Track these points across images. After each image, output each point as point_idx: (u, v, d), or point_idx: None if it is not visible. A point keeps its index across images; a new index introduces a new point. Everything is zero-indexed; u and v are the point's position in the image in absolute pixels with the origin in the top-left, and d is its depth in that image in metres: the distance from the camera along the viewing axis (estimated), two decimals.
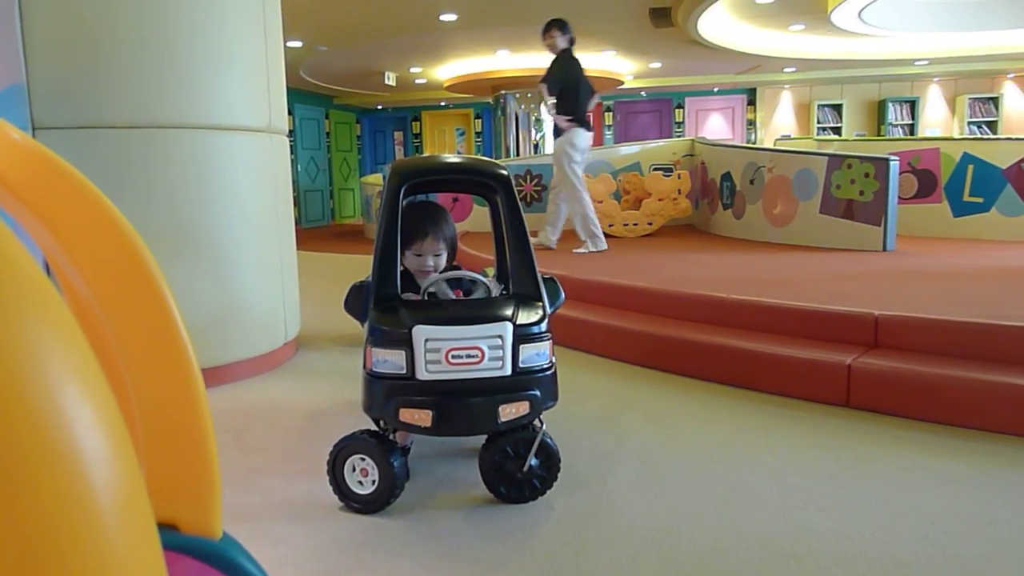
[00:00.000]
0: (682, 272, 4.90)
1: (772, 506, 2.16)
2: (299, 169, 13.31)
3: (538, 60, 11.29)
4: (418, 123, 16.03)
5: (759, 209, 6.84)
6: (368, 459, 2.11)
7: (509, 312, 2.08)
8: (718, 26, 8.89)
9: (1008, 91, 13.73)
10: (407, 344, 2.00)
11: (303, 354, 4.14)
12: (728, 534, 1.99)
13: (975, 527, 2.01)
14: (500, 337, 2.03)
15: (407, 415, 2.02)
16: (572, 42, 5.95)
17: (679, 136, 13.86)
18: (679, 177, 7.61)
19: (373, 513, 2.13)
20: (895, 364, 2.98)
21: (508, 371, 2.04)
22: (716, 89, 14.54)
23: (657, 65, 11.97)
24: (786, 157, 6.74)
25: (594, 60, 11.36)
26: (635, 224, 7.55)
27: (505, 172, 2.33)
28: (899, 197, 5.96)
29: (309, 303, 5.53)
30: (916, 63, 12.07)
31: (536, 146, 12.63)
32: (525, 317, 2.09)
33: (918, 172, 6.98)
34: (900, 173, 6.11)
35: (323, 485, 2.31)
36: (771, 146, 10.44)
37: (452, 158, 2.59)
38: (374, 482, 2.12)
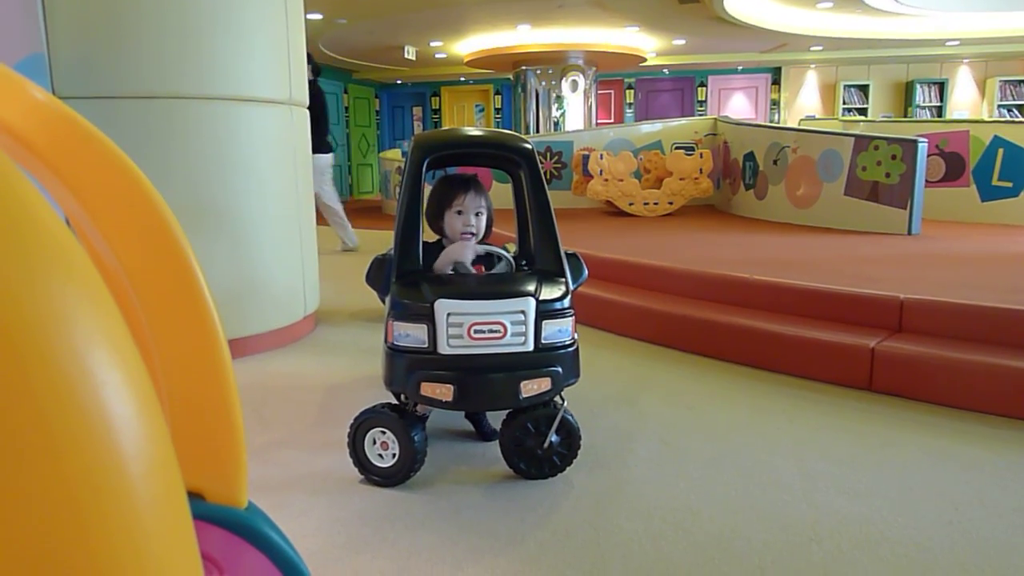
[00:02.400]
0: (703, 252, 4.85)
1: (793, 489, 2.14)
2: None
3: (560, 35, 11.18)
4: (437, 99, 15.95)
5: (782, 190, 6.75)
6: (388, 432, 2.12)
7: (532, 288, 2.06)
8: (745, 2, 8.73)
9: None
10: (429, 318, 1.99)
11: (322, 328, 4.15)
12: (748, 516, 1.98)
13: (1000, 513, 1.98)
14: (523, 312, 2.01)
15: (429, 389, 2.01)
16: (316, 72, 6.55)
17: (701, 115, 13.69)
18: (701, 156, 7.52)
19: (393, 486, 2.13)
20: (919, 348, 2.93)
21: (530, 347, 2.03)
22: (740, 68, 14.32)
23: (681, 42, 11.79)
24: (811, 137, 6.62)
25: (616, 36, 11.22)
26: (655, 203, 7.48)
27: (530, 146, 2.30)
28: (926, 180, 5.85)
29: (328, 278, 5.54)
30: (947, 44, 11.81)
31: (556, 123, 12.53)
32: (548, 293, 2.07)
33: (946, 155, 6.85)
34: (928, 156, 5.99)
35: (343, 458, 2.32)
36: (797, 126, 10.28)
37: (476, 131, 2.54)
38: (394, 455, 2.12)
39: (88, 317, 0.45)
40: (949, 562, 1.75)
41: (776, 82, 14.54)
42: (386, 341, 2.09)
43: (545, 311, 2.04)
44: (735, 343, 3.41)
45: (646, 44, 11.93)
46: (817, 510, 2.01)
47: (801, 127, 8.71)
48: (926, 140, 5.68)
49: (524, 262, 2.43)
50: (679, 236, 5.84)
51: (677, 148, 8.19)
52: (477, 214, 2.36)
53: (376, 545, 1.84)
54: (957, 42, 11.62)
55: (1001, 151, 6.55)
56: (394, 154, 12.25)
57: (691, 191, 7.51)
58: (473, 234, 2.36)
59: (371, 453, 2.15)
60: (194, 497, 0.81)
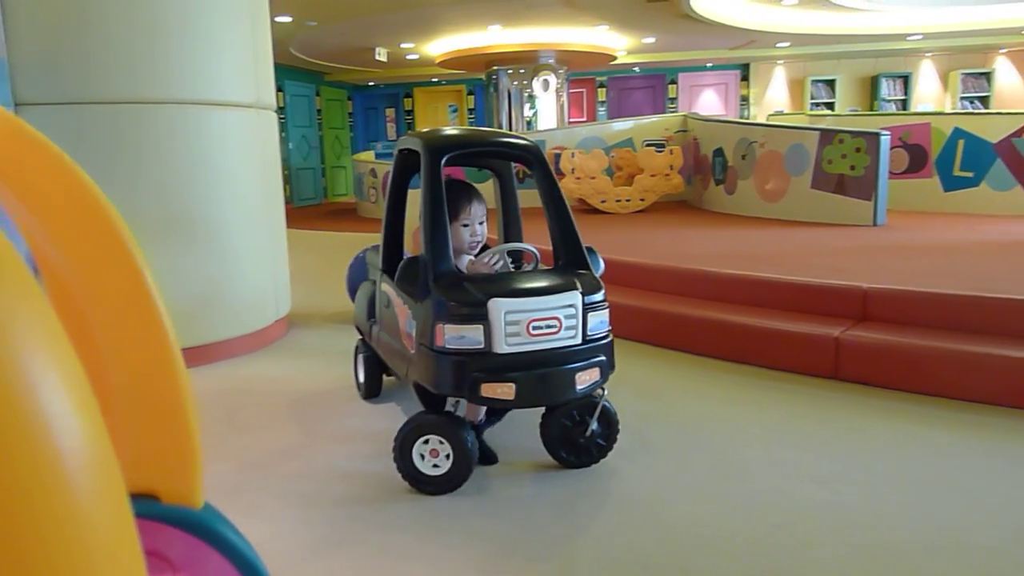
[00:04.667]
0: (674, 247, 4.90)
1: (762, 477, 2.18)
2: (290, 147, 13.21)
3: (531, 35, 11.21)
4: (410, 100, 15.90)
5: (751, 184, 6.83)
6: (437, 439, 2.07)
7: (575, 282, 2.09)
8: (712, 1, 8.81)
9: (1000, 66, 13.67)
10: (484, 318, 1.97)
11: (295, 332, 4.14)
12: (718, 504, 2.01)
13: (962, 495, 2.03)
14: (573, 306, 2.04)
15: (489, 390, 1.98)
16: None
17: (672, 112, 13.79)
18: (671, 153, 7.59)
19: (449, 492, 2.09)
20: (883, 336, 2.99)
21: (579, 339, 2.05)
22: (710, 65, 14.45)
23: (650, 40, 11.87)
24: (778, 132, 6.71)
25: (587, 35, 11.27)
26: (628, 200, 7.53)
27: (537, 145, 2.35)
28: (890, 172, 5.95)
29: (302, 282, 5.52)
30: (909, 38, 12.00)
31: (529, 123, 12.56)
32: (587, 286, 2.10)
33: (909, 147, 6.97)
34: (891, 148, 6.09)
35: (314, 461, 2.33)
36: (764, 121, 10.40)
37: (485, 132, 2.56)
38: (448, 457, 2.07)
39: (23, 320, 0.46)
40: (913, 544, 1.79)
41: (745, 78, 14.68)
42: (432, 345, 2.03)
43: (589, 304, 2.08)
44: (706, 336, 3.45)
45: (616, 43, 11.99)
46: (785, 497, 2.05)
47: (768, 123, 8.82)
48: (889, 133, 5.78)
49: (512, 260, 2.48)
50: (651, 232, 5.89)
51: (648, 145, 8.25)
52: (480, 223, 2.40)
53: (347, 545, 1.85)
54: (920, 36, 11.81)
55: (961, 142, 6.68)
56: (368, 156, 12.20)
57: (662, 187, 7.57)
58: (478, 243, 2.40)
59: (421, 464, 2.10)
60: (149, 498, 0.82)
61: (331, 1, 8.49)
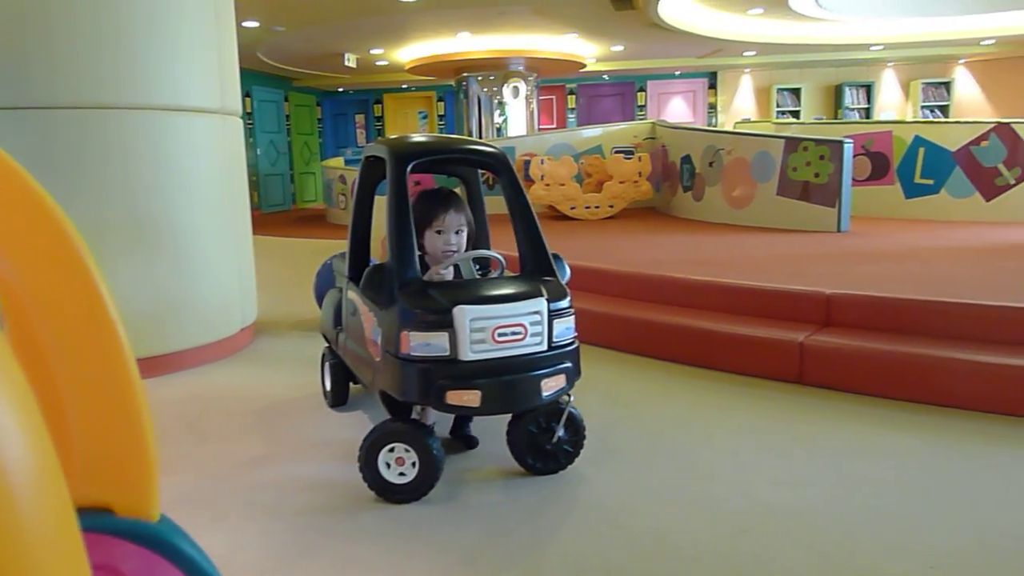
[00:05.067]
0: (642, 254, 4.94)
1: (726, 481, 2.20)
2: (258, 153, 13.07)
3: (501, 42, 11.24)
4: (380, 106, 15.84)
5: (718, 191, 6.91)
6: (402, 447, 2.06)
7: (541, 288, 2.09)
8: (679, 9, 8.91)
9: (959, 76, 14.01)
10: (450, 325, 1.96)
11: (262, 340, 4.09)
12: (683, 509, 2.03)
13: (920, 496, 2.07)
14: (539, 313, 2.04)
15: (454, 397, 1.97)
16: None
17: (641, 119, 13.91)
18: (640, 160, 7.65)
19: (415, 501, 2.08)
20: (846, 341, 3.04)
21: (545, 346, 2.06)
22: (678, 73, 14.60)
23: (619, 48, 11.97)
24: (744, 140, 6.81)
25: (556, 43, 11.33)
26: (597, 207, 7.57)
27: (503, 152, 2.35)
28: (853, 179, 6.06)
29: (269, 289, 5.46)
30: (872, 48, 12.25)
31: (499, 129, 12.58)
32: (553, 293, 2.11)
33: (872, 155, 7.10)
34: (854, 156, 6.21)
35: (280, 470, 2.31)
36: (732, 129, 10.53)
37: (451, 139, 2.56)
38: (415, 465, 2.06)
39: None
40: (872, 545, 1.82)
41: (713, 86, 14.85)
42: (397, 352, 2.02)
43: (554, 310, 2.08)
44: (672, 342, 3.48)
45: (585, 50, 12.07)
46: (749, 501, 2.07)
47: (735, 130, 8.93)
48: (851, 141, 5.89)
49: (479, 267, 2.48)
50: (619, 238, 5.93)
51: (617, 152, 8.31)
52: (457, 232, 2.36)
53: (311, 556, 1.83)
54: (881, 46, 12.06)
55: (922, 150, 6.83)
56: (337, 162, 12.12)
57: (631, 194, 7.62)
58: (453, 251, 2.36)
59: (387, 472, 2.08)
60: (102, 512, 0.80)
61: (299, 6, 8.44)
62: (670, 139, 7.98)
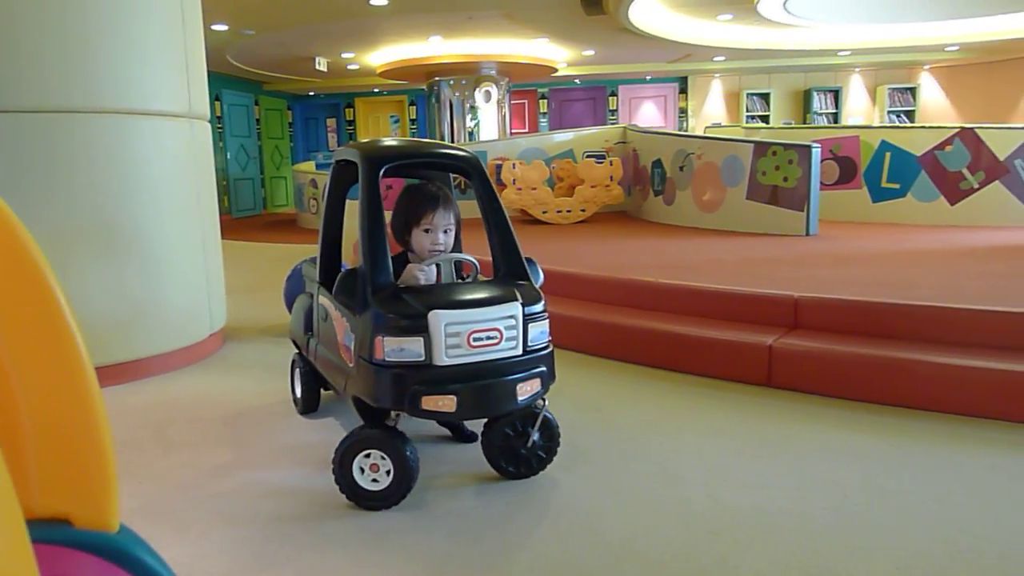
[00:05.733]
0: (613, 258, 4.96)
1: (695, 484, 2.22)
2: (228, 157, 12.94)
3: (472, 47, 11.25)
4: (351, 110, 15.77)
5: (689, 195, 6.97)
6: (377, 453, 2.04)
7: (515, 292, 2.09)
8: (649, 14, 8.98)
9: (924, 82, 14.28)
10: (424, 330, 1.95)
11: (231, 345, 4.04)
12: (651, 512, 2.04)
13: (885, 497, 2.10)
14: (513, 317, 2.04)
15: (430, 402, 1.96)
16: None
17: (613, 124, 14.00)
18: (611, 164, 7.69)
19: (389, 508, 2.06)
20: (813, 344, 3.08)
21: (520, 351, 2.06)
22: (649, 77, 14.72)
23: (590, 53, 12.03)
24: (714, 144, 6.87)
25: (527, 47, 11.37)
26: (568, 211, 7.60)
27: (475, 157, 2.35)
28: (821, 183, 6.15)
29: (239, 294, 5.40)
30: (839, 54, 12.45)
31: (471, 133, 12.58)
32: (527, 297, 2.10)
33: (839, 159, 7.21)
34: (822, 160, 6.30)
35: (248, 477, 2.28)
36: (702, 134, 10.63)
37: (423, 143, 2.54)
38: (389, 472, 2.05)
39: None
40: (838, 546, 1.84)
41: (683, 91, 15.00)
42: (372, 358, 2.00)
43: (529, 314, 2.08)
44: (642, 346, 3.50)
45: (557, 55, 12.12)
46: (716, 503, 2.09)
47: (705, 135, 9.02)
48: (819, 145, 5.98)
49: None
50: (591, 243, 5.95)
51: (588, 156, 8.34)
52: (445, 231, 2.33)
53: (278, 566, 1.81)
54: (848, 52, 12.26)
55: (888, 155, 6.95)
56: (308, 166, 12.03)
57: (603, 198, 7.66)
58: (440, 250, 2.33)
59: (361, 479, 2.06)
60: (60, 523, 0.79)
61: (268, 10, 8.38)
62: (641, 143, 8.04)
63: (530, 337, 2.08)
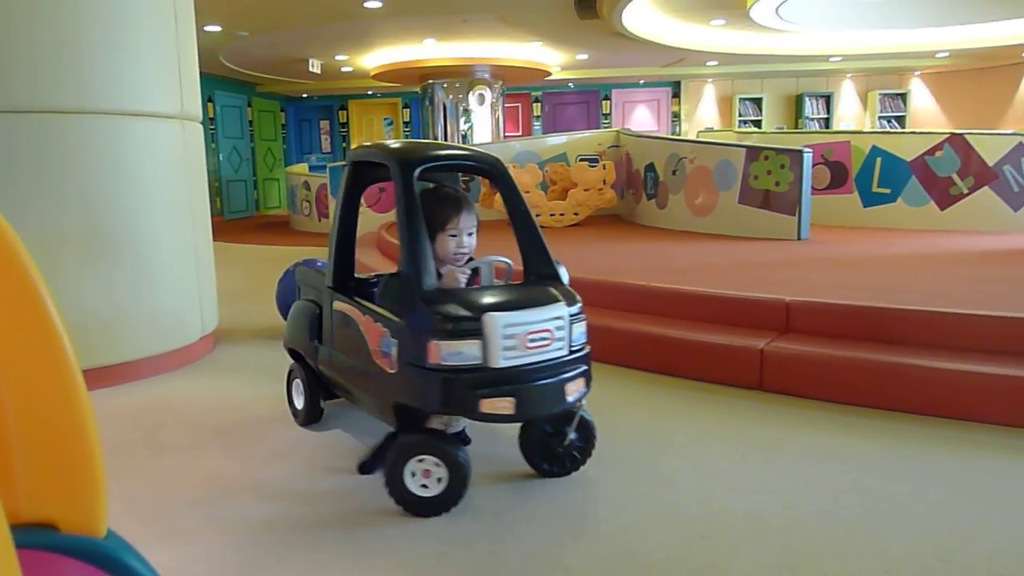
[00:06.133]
0: (605, 261, 4.97)
1: (686, 488, 2.22)
2: (220, 158, 12.91)
3: (466, 50, 11.26)
4: (345, 112, 15.77)
5: (681, 199, 6.99)
6: (431, 459, 2.01)
7: (559, 294, 2.10)
8: (642, 19, 9.01)
9: (915, 88, 14.39)
10: (481, 333, 1.94)
11: (223, 348, 4.03)
12: (643, 516, 2.04)
13: (875, 501, 2.11)
14: (561, 318, 2.05)
15: (488, 405, 1.94)
16: None
17: (606, 127, 14.03)
18: (604, 168, 7.71)
19: (441, 514, 2.03)
20: (805, 348, 3.09)
21: (566, 351, 2.07)
22: (642, 81, 14.77)
23: (584, 56, 12.06)
24: (706, 148, 6.90)
25: (521, 51, 11.39)
26: (561, 214, 7.61)
27: (499, 159, 2.36)
28: (813, 188, 6.18)
29: (231, 296, 5.39)
30: (831, 59, 12.52)
31: (464, 136, 12.59)
32: (570, 298, 2.12)
33: (831, 164, 7.25)
34: (813, 165, 6.33)
35: (238, 481, 2.27)
36: (695, 138, 10.67)
37: (452, 147, 2.48)
38: (440, 480, 2.01)
39: None
40: (828, 550, 1.85)
41: (676, 95, 15.05)
42: (423, 364, 1.97)
43: (572, 315, 2.09)
44: (634, 349, 3.50)
45: (550, 58, 12.14)
46: (708, 507, 2.09)
47: (697, 139, 9.05)
48: (811, 150, 6.00)
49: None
50: (584, 246, 5.96)
51: (581, 160, 8.36)
52: (469, 233, 2.32)
53: (270, 569, 1.80)
54: (840, 58, 12.32)
55: (879, 160, 6.99)
56: (301, 168, 12.02)
57: (596, 202, 7.67)
58: (465, 254, 2.32)
59: (413, 485, 2.03)
60: (46, 528, 0.78)
61: (262, 11, 8.37)
62: (634, 147, 8.06)
63: (574, 337, 2.10)
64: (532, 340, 1.98)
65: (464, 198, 2.34)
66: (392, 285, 2.08)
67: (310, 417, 2.74)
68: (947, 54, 12.13)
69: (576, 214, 7.64)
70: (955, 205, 6.68)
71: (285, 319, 4.17)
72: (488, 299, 2.02)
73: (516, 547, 1.88)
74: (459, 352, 1.94)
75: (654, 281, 3.90)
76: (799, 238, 5.90)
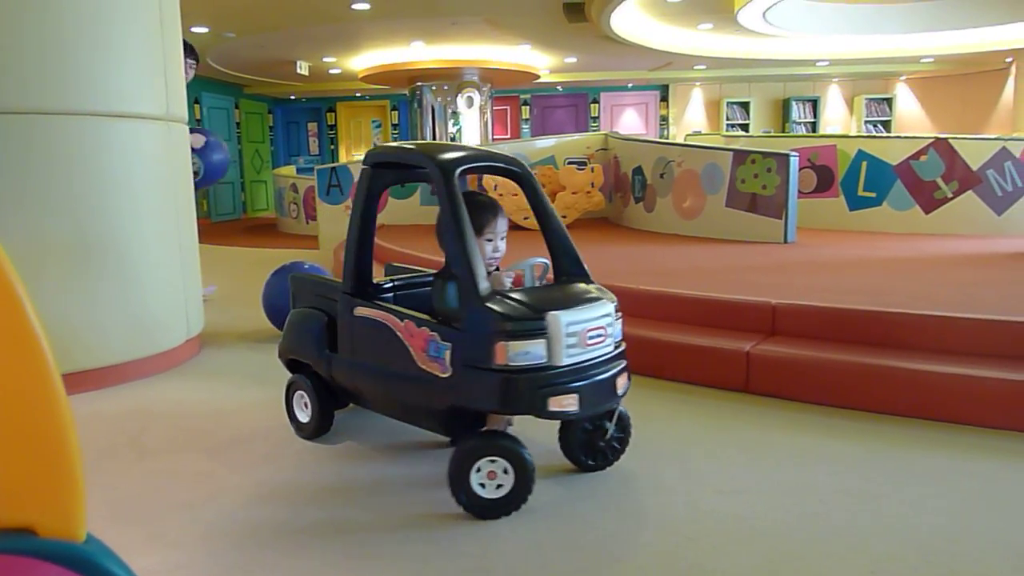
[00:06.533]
0: (594, 264, 4.92)
1: (672, 490, 2.22)
2: None
3: (455, 52, 11.26)
4: (333, 114, 15.73)
5: (669, 203, 7.01)
6: (500, 460, 2.01)
7: (604, 291, 2.20)
8: (630, 22, 9.04)
9: (900, 92, 14.50)
10: (545, 332, 1.97)
11: (208, 352, 4.00)
12: (630, 518, 2.04)
13: (860, 502, 2.12)
14: (610, 315, 2.12)
15: (556, 403, 1.98)
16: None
17: (594, 130, 14.07)
18: (593, 171, 7.72)
19: (506, 515, 2.04)
20: (790, 350, 3.11)
21: (612, 346, 2.14)
22: (630, 85, 14.81)
23: (572, 60, 12.09)
24: (694, 152, 6.92)
25: (510, 54, 11.40)
26: None
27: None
28: (799, 191, 6.21)
29: (218, 299, 5.37)
30: (817, 64, 12.61)
31: (453, 139, 12.58)
32: (608, 295, 2.18)
33: (817, 168, 7.29)
34: (800, 168, 6.36)
35: (223, 485, 2.26)
36: (683, 141, 10.72)
37: (485, 150, 2.48)
38: (505, 482, 2.02)
39: None
40: (813, 551, 1.86)
41: (664, 99, 15.11)
42: (488, 366, 1.98)
43: (616, 311, 2.17)
44: None
45: (539, 61, 12.16)
46: (695, 510, 2.09)
47: (686, 142, 9.08)
48: (797, 154, 6.04)
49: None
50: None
51: (570, 163, 8.37)
52: (502, 239, 2.37)
53: (256, 572, 1.79)
54: (827, 62, 12.42)
55: (864, 164, 7.03)
56: (289, 171, 11.98)
57: (584, 204, 7.68)
58: (497, 259, 2.35)
59: (478, 486, 2.02)
60: (24, 533, 0.77)
61: (250, 12, 8.34)
62: (622, 150, 8.08)
63: (616, 333, 2.16)
64: (591, 337, 2.05)
65: (497, 204, 2.38)
66: (448, 289, 2.09)
67: (319, 430, 2.63)
68: (932, 59, 12.24)
69: (564, 217, 7.64)
70: (940, 209, 6.74)
71: (273, 322, 4.17)
72: (547, 299, 2.08)
73: (502, 550, 1.88)
74: (526, 352, 1.96)
75: (641, 284, 3.90)
76: (786, 241, 5.93)
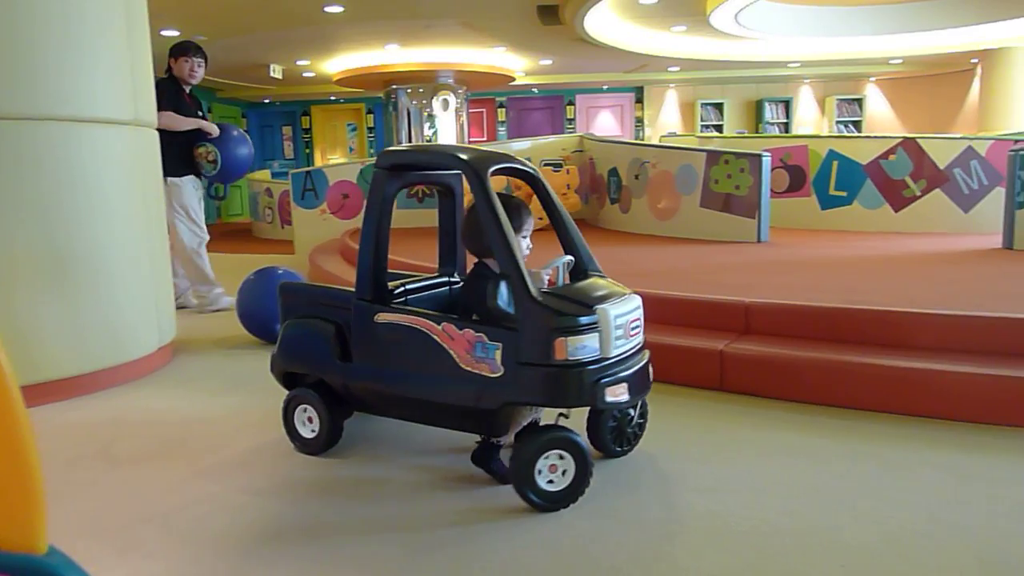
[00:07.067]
0: None
1: (649, 489, 2.23)
2: None
3: (430, 55, 11.25)
4: (308, 118, 15.64)
5: (644, 203, 7.04)
6: (559, 453, 2.08)
7: (623, 287, 2.30)
8: (604, 25, 9.09)
9: (871, 93, 14.72)
10: (597, 326, 2.05)
11: (181, 359, 3.96)
12: (605, 518, 2.04)
13: (833, 498, 2.14)
14: (640, 307, 2.24)
15: (612, 392, 2.07)
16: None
17: (570, 132, 14.10)
18: (569, 172, 7.74)
19: (564, 509, 2.08)
20: (764, 349, 3.13)
21: (642, 338, 2.27)
22: (605, 87, 14.89)
23: (548, 62, 12.12)
24: (668, 153, 6.97)
25: (485, 56, 11.41)
26: None
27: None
28: (772, 191, 6.27)
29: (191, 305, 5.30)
30: (789, 65, 12.76)
31: (429, 142, 12.56)
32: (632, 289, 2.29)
33: (789, 167, 7.37)
34: (772, 168, 6.43)
35: (198, 493, 2.23)
36: (658, 143, 10.78)
37: (503, 153, 2.45)
38: (565, 473, 2.09)
39: None
40: (788, 547, 1.87)
41: (640, 100, 15.20)
42: (547, 362, 2.03)
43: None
44: None
45: (514, 64, 12.18)
46: (670, 508, 2.10)
47: (660, 143, 9.14)
48: (769, 154, 6.10)
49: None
50: (548, 251, 5.96)
51: (546, 165, 8.39)
52: (527, 237, 2.43)
53: None
54: (798, 64, 12.57)
55: (835, 163, 7.12)
56: (263, 175, 11.89)
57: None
58: (524, 257, 2.34)
59: (542, 481, 2.07)
60: None
61: (221, 15, 8.27)
62: (598, 152, 8.11)
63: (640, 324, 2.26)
64: (633, 329, 2.17)
65: (524, 203, 2.42)
66: (497, 289, 2.15)
67: (329, 443, 2.52)
68: (901, 61, 12.43)
69: (540, 219, 7.65)
70: (909, 207, 6.84)
71: (248, 328, 4.13)
72: (592, 294, 2.14)
73: (478, 553, 1.87)
74: (584, 346, 2.03)
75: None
76: (759, 241, 5.98)
